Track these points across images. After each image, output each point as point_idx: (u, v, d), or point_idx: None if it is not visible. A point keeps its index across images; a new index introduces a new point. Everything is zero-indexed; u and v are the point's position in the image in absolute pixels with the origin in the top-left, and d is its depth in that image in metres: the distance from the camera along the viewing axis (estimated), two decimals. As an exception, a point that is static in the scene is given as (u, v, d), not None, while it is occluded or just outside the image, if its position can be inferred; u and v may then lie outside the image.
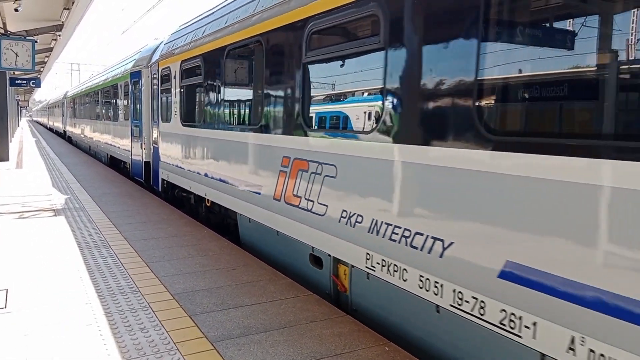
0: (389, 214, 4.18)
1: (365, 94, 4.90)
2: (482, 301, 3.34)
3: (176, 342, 4.02)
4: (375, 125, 4.36)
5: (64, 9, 14.59)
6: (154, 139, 12.10)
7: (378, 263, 4.33)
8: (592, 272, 2.65)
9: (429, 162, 3.75)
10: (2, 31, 14.77)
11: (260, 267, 6.06)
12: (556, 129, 3.14)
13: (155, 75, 11.74)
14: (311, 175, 5.29)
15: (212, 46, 7.92)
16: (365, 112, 4.81)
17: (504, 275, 3.18)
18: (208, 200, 8.57)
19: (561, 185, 2.80)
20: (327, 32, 5.12)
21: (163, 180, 11.31)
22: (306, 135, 5.39)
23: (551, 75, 3.09)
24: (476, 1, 3.29)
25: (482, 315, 3.34)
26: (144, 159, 12.95)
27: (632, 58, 2.69)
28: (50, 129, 57.46)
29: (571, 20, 3.05)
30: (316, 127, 5.41)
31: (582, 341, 2.73)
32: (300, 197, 5.51)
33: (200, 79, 8.49)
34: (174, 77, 9.97)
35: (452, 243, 3.56)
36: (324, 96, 5.59)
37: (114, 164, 18.05)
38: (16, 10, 13.38)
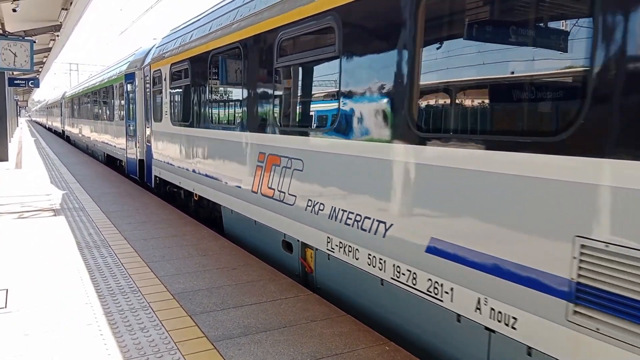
0: (344, 201, 4.77)
1: (325, 97, 5.40)
2: (414, 273, 3.93)
3: (176, 342, 4.02)
4: (332, 124, 4.93)
5: (62, 9, 14.57)
6: (147, 137, 12.64)
7: (337, 245, 4.91)
8: (491, 244, 3.25)
9: (371, 155, 4.36)
10: (1, 31, 14.75)
11: (260, 267, 6.06)
12: (465, 127, 3.65)
13: (147, 77, 12.24)
14: (283, 169, 5.87)
15: (198, 51, 8.49)
16: (324, 112, 5.35)
17: (429, 250, 3.76)
18: (196, 194, 9.11)
19: (466, 173, 3.41)
20: (294, 40, 5.71)
21: (156, 177, 11.84)
22: (278, 133, 5.96)
23: (457, 82, 3.71)
24: (405, 21, 3.89)
25: (414, 285, 3.94)
26: (138, 157, 13.51)
27: (510, 74, 3.39)
28: (49, 129, 57.45)
29: (472, 37, 3.62)
30: (287, 126, 5.94)
31: (486, 301, 3.32)
32: (273, 189, 6.08)
33: (187, 81, 9.03)
34: (165, 79, 10.53)
35: (392, 225, 4.14)
36: (292, 98, 6.13)
37: (111, 162, 18.47)
38: (14, 10, 13.36)
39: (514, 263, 3.10)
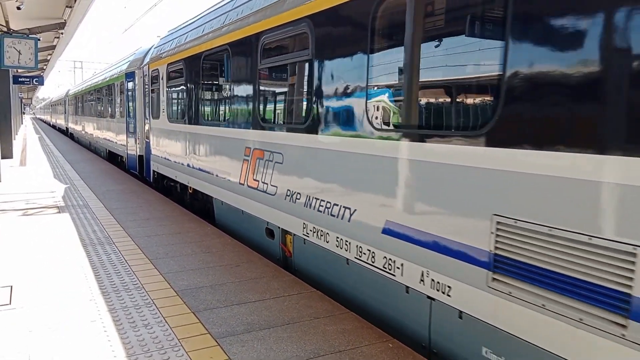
0: (316, 190, 5.28)
1: (301, 95, 5.86)
2: (373, 252, 4.44)
3: (180, 339, 4.03)
4: (305, 121, 5.43)
5: (66, 7, 14.59)
6: (146, 134, 13.18)
7: (311, 230, 5.41)
8: (430, 223, 3.77)
9: (337, 149, 4.92)
10: (5, 29, 14.79)
11: (263, 264, 6.07)
12: (408, 123, 4.17)
13: (146, 76, 12.79)
14: (266, 162, 6.39)
15: (191, 52, 9.01)
16: (300, 110, 5.83)
17: (384, 231, 4.28)
18: (191, 187, 9.71)
19: (410, 162, 3.98)
20: (275, 44, 6.22)
21: (154, 171, 12.38)
22: (262, 129, 6.47)
23: (404, 84, 4.19)
24: (365, 31, 4.41)
25: (373, 262, 4.44)
26: (138, 153, 14.08)
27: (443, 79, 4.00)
28: (53, 126, 57.65)
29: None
30: (269, 122, 6.48)
31: (427, 274, 3.83)
32: (258, 181, 6.62)
33: (182, 80, 9.60)
34: (162, 79, 11.08)
35: (355, 210, 4.67)
36: (273, 96, 6.72)
37: (112, 158, 18.97)
38: (19, 8, 13.38)
39: (448, 239, 3.63)
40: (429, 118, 4.07)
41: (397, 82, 4.31)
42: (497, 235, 3.22)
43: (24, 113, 73.17)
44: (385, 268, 4.28)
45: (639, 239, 2.50)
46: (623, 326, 2.57)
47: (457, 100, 3.89)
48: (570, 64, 2.77)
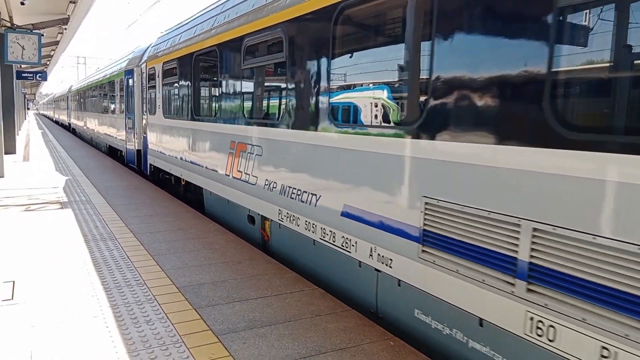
0: (289, 179, 5.87)
1: (276, 93, 6.52)
2: (334, 233, 5.02)
3: (182, 335, 4.04)
4: (279, 116, 6.10)
5: (70, 2, 14.59)
6: (143, 129, 13.69)
7: (285, 216, 5.98)
8: (376, 205, 4.38)
9: (306, 142, 5.46)
10: (9, 24, 14.79)
11: (265, 261, 6.07)
12: (356, 119, 4.94)
13: (144, 74, 13.33)
14: (248, 154, 6.97)
15: (184, 51, 9.61)
16: (276, 107, 6.43)
17: (343, 214, 4.88)
18: (183, 179, 10.31)
19: (361, 154, 4.57)
20: (256, 46, 6.76)
21: (150, 165, 12.97)
22: (245, 124, 7.05)
23: (357, 84, 4.97)
24: (327, 38, 4.96)
25: (334, 242, 5.04)
26: (136, 148, 14.61)
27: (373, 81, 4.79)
28: (56, 122, 57.76)
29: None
30: (251, 118, 6.99)
31: (375, 249, 4.42)
32: (241, 172, 7.20)
33: (176, 78, 10.18)
34: (158, 76, 11.66)
35: (320, 196, 5.24)
36: (255, 94, 7.20)
37: (113, 153, 19.56)
38: (22, 3, 13.38)
39: (390, 219, 4.21)
40: (373, 114, 4.75)
41: (353, 82, 4.98)
42: (425, 214, 3.83)
43: (28, 109, 73.27)
44: (343, 246, 4.89)
45: (524, 214, 3.05)
46: (512, 284, 3.16)
47: (394, 99, 4.52)
48: (473, 73, 3.39)
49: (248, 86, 7.12)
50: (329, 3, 4.88)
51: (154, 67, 12.04)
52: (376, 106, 4.72)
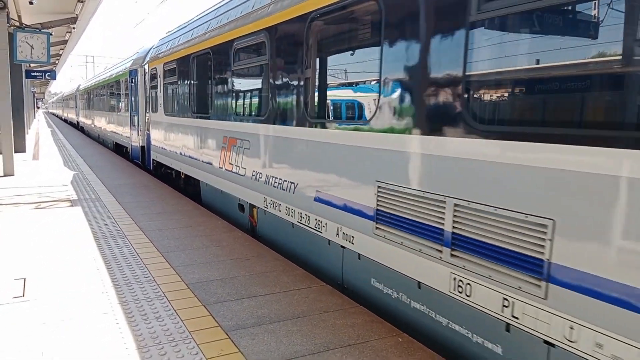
0: (272, 170, 6.52)
1: (261, 92, 7.02)
2: (308, 216, 5.67)
3: (191, 331, 4.06)
4: (264, 113, 6.67)
5: (78, 1, 14.68)
6: (146, 126, 14.39)
7: (269, 203, 6.64)
8: (341, 190, 5.02)
9: (286, 135, 6.08)
10: (18, 24, 14.90)
11: (274, 258, 6.09)
12: (334, 115, 5.57)
13: (147, 74, 14.07)
14: (238, 148, 7.64)
15: (182, 53, 10.36)
16: (262, 104, 6.97)
17: (316, 199, 5.50)
18: (183, 173, 11.05)
19: (327, 145, 5.22)
20: (243, 49, 7.46)
21: (153, 160, 13.73)
22: (235, 120, 7.74)
23: (330, 84, 5.61)
24: (302, 42, 5.58)
25: (308, 224, 5.69)
26: (140, 144, 15.37)
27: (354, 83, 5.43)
28: (65, 120, 58.15)
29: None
30: (240, 115, 7.69)
31: (340, 229, 5.08)
32: (232, 164, 7.88)
33: (175, 78, 10.91)
34: (159, 76, 12.42)
35: (297, 184, 5.88)
36: (243, 93, 7.88)
37: (118, 149, 20.60)
38: (31, 3, 13.47)
39: (352, 201, 4.86)
40: (338, 111, 5.54)
41: (324, 82, 5.61)
42: (378, 196, 4.46)
43: (38, 108, 73.73)
44: (316, 228, 5.53)
45: (447, 192, 3.69)
46: (440, 251, 3.78)
47: (354, 98, 5.27)
48: (409, 77, 4.05)
49: (237, 85, 7.79)
50: (303, 12, 5.61)
51: (155, 68, 12.77)
52: (339, 103, 5.53)
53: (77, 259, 5.92)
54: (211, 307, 4.56)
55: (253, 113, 7.39)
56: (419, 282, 4.06)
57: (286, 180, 6.13)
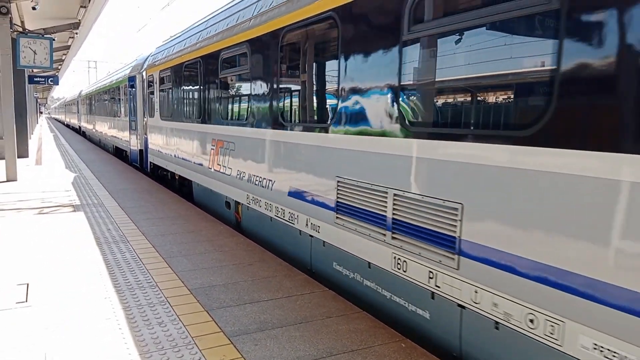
0: (254, 169, 7.20)
1: (243, 98, 7.72)
2: (283, 209, 6.33)
3: (194, 337, 4.06)
4: (246, 118, 7.37)
5: (81, 7, 14.74)
6: (144, 131, 15.04)
7: (251, 200, 7.33)
8: (309, 186, 5.66)
9: (266, 138, 6.76)
10: (21, 29, 14.97)
11: (276, 263, 6.08)
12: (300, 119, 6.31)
13: (144, 81, 14.81)
14: (224, 150, 8.34)
15: (176, 61, 11.11)
16: (244, 109, 7.64)
17: (289, 194, 6.14)
18: (177, 174, 11.77)
19: (298, 146, 5.89)
20: (229, 59, 8.15)
21: (150, 162, 14.41)
22: (222, 124, 8.46)
23: (301, 90, 6.30)
24: (277, 53, 6.31)
25: (283, 217, 6.33)
26: (139, 148, 16.07)
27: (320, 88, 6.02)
28: (67, 125, 58.31)
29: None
30: (227, 119, 8.39)
31: (309, 220, 5.69)
32: (220, 165, 8.58)
33: (170, 85, 11.71)
34: (155, 83, 13.20)
35: (274, 181, 6.55)
36: (229, 99, 8.62)
37: (118, 153, 21.39)
38: (34, 8, 13.54)
39: (317, 195, 5.48)
40: (304, 115, 6.16)
41: (294, 89, 6.36)
42: (338, 189, 5.09)
43: (40, 113, 73.91)
44: (290, 220, 6.15)
45: (388, 184, 4.36)
46: (384, 235, 4.44)
47: (318, 102, 5.88)
48: (359, 86, 4.69)
49: (224, 92, 8.59)
50: (276, 27, 6.33)
51: (152, 75, 13.58)
52: (307, 108, 6.14)
53: (79, 264, 5.92)
54: (214, 313, 4.55)
55: (236, 117, 8.05)
56: (369, 263, 4.72)
57: (265, 178, 6.81)
